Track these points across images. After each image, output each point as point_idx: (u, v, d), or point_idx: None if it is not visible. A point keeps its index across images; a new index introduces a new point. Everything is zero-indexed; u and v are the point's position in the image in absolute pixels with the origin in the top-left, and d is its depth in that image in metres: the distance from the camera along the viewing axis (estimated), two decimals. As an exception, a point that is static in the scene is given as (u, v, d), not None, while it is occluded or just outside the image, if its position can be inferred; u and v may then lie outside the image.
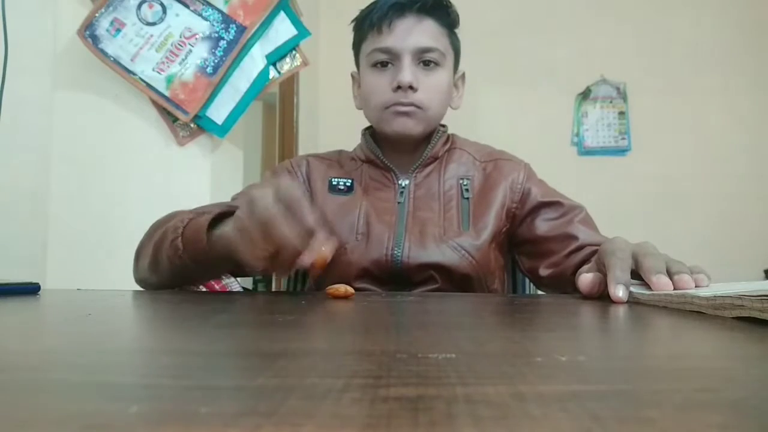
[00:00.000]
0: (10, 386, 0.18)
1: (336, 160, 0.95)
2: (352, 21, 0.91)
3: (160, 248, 0.68)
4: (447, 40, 0.87)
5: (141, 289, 0.75)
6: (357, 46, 0.91)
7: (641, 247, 0.56)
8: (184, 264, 0.65)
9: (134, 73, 1.35)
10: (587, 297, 0.57)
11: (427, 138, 0.89)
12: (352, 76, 0.96)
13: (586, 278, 0.57)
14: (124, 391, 0.17)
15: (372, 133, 0.93)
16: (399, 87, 0.82)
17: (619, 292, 0.50)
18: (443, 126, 0.93)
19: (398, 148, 0.89)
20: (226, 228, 0.60)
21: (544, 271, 0.83)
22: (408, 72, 0.82)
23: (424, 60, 0.84)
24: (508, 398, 0.15)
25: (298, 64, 1.46)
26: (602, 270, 0.57)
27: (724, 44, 2.82)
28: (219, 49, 1.37)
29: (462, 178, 0.88)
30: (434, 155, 0.89)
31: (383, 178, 0.89)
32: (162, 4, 1.36)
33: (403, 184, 0.88)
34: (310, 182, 0.91)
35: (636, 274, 0.54)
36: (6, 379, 0.19)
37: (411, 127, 0.85)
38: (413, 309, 0.45)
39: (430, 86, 0.84)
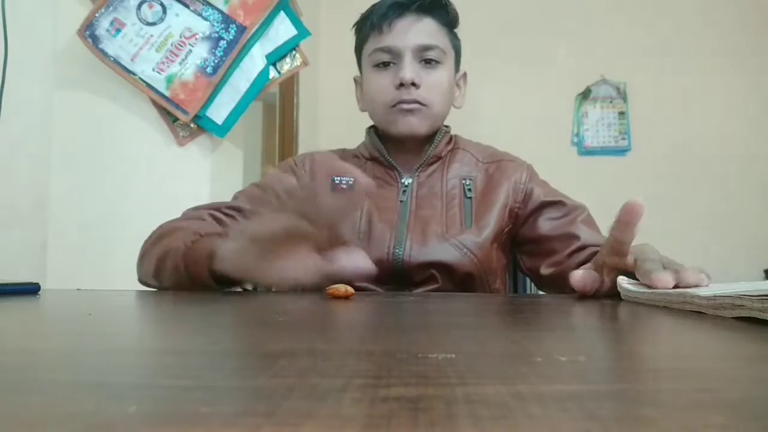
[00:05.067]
0: (10, 386, 0.18)
1: (339, 157, 0.95)
2: (354, 25, 0.91)
3: (161, 269, 0.68)
4: (447, 38, 0.88)
5: (142, 288, 0.75)
6: (359, 49, 0.92)
7: (643, 251, 0.56)
8: (188, 286, 0.65)
9: (134, 73, 1.35)
10: (584, 296, 0.57)
11: (430, 137, 0.90)
12: (355, 80, 0.96)
13: (576, 274, 0.58)
14: (124, 391, 0.17)
15: (377, 131, 0.93)
16: (401, 84, 0.83)
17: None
18: (446, 126, 0.93)
19: (403, 147, 0.89)
20: (226, 261, 0.60)
21: (545, 270, 0.83)
22: (409, 69, 0.83)
23: (425, 58, 0.85)
24: (508, 398, 0.15)
25: (298, 64, 1.47)
26: (599, 270, 0.57)
27: (725, 44, 2.82)
28: (219, 49, 1.37)
29: (464, 178, 0.89)
30: (437, 155, 0.90)
31: (387, 177, 0.90)
32: (162, 4, 1.36)
33: (406, 183, 0.88)
34: (314, 178, 0.91)
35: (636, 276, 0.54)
36: (6, 379, 0.19)
37: (416, 125, 0.85)
38: (413, 309, 0.45)
39: (431, 83, 0.85)
